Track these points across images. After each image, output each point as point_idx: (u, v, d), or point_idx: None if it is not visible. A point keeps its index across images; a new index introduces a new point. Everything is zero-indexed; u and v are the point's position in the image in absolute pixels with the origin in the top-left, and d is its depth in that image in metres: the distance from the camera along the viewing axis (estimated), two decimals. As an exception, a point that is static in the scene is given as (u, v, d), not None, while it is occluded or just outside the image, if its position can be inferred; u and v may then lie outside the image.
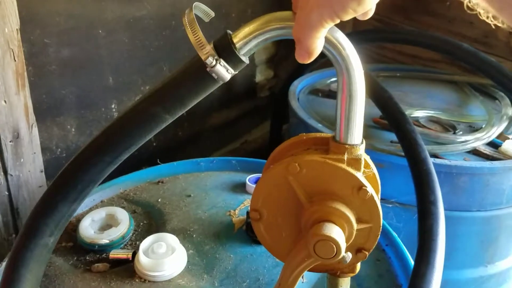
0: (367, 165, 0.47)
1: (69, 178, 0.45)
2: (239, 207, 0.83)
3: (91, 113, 1.11)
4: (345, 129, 0.45)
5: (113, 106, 1.15)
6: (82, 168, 0.45)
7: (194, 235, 0.76)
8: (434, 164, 0.86)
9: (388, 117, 0.94)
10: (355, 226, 0.45)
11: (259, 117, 1.77)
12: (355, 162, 0.45)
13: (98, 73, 1.09)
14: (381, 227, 0.47)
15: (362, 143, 0.46)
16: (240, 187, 0.89)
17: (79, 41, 1.02)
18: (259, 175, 0.90)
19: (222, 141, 1.60)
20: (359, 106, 0.44)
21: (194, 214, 0.81)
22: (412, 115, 1.05)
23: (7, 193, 0.93)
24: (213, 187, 0.90)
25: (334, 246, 0.42)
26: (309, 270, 0.48)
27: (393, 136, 0.94)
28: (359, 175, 0.45)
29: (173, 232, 0.74)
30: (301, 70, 1.41)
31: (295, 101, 1.18)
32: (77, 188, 0.45)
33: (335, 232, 0.43)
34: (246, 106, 1.62)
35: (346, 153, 0.45)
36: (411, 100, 1.18)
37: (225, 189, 0.89)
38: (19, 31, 0.86)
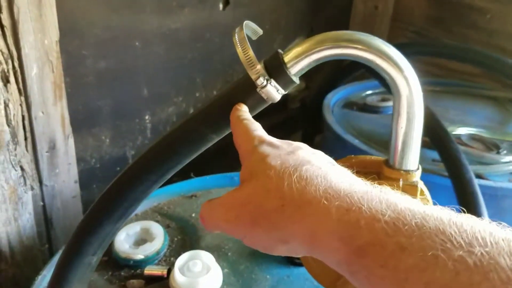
0: (421, 192, 0.44)
1: (114, 196, 0.45)
2: (275, 225, 0.81)
3: (126, 124, 1.11)
4: (400, 154, 0.43)
5: (146, 117, 1.15)
6: (128, 186, 0.44)
7: (229, 253, 0.74)
8: (479, 185, 0.82)
9: (430, 134, 0.90)
10: (410, 257, 0.43)
11: (289, 129, 1.75)
12: (411, 189, 0.42)
13: (133, 85, 1.10)
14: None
15: (418, 169, 0.43)
16: (275, 204, 0.87)
17: (116, 52, 1.03)
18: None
19: (251, 153, 1.58)
20: (417, 130, 0.41)
21: (228, 230, 0.79)
22: (453, 133, 1.02)
23: (41, 203, 0.94)
24: (247, 202, 0.88)
25: (388, 279, 0.40)
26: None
27: (434, 155, 0.91)
28: (415, 204, 0.42)
29: (207, 249, 0.72)
30: (334, 82, 1.39)
31: (329, 115, 1.16)
32: (122, 207, 0.44)
33: (389, 263, 0.41)
34: (276, 117, 1.61)
35: (401, 179, 0.42)
36: (451, 116, 1.14)
37: (259, 205, 0.87)
38: (58, 43, 0.86)
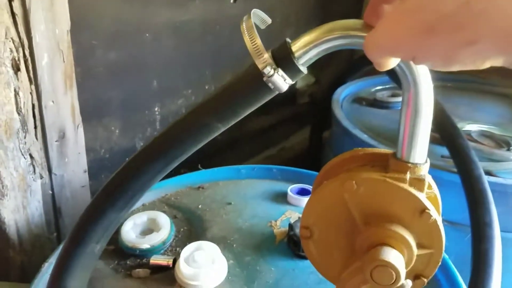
0: (429, 186, 0.44)
1: (119, 185, 0.45)
2: (280, 218, 0.81)
3: (135, 115, 1.12)
4: (408, 147, 0.42)
5: (156, 109, 1.15)
6: (132, 175, 0.44)
7: (234, 245, 0.74)
8: (488, 182, 0.81)
9: (439, 130, 0.89)
10: (416, 251, 0.42)
11: (298, 124, 1.74)
12: (418, 182, 0.42)
13: (143, 76, 1.10)
14: (442, 254, 0.43)
15: (426, 162, 0.42)
16: (281, 197, 0.87)
17: (126, 44, 1.03)
18: (301, 185, 0.88)
19: (259, 147, 1.59)
20: (425, 123, 0.41)
21: (234, 223, 0.80)
22: (463, 129, 1.00)
23: (50, 192, 0.95)
24: (254, 195, 0.88)
25: (393, 272, 0.40)
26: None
27: (444, 151, 0.90)
28: (422, 197, 0.41)
29: (213, 240, 0.73)
30: (343, 77, 1.38)
31: (339, 110, 1.15)
32: (126, 196, 0.44)
33: (394, 257, 0.40)
34: (284, 112, 1.60)
35: (408, 173, 0.42)
36: (461, 112, 1.13)
37: (266, 198, 0.88)
38: (69, 33, 0.87)
